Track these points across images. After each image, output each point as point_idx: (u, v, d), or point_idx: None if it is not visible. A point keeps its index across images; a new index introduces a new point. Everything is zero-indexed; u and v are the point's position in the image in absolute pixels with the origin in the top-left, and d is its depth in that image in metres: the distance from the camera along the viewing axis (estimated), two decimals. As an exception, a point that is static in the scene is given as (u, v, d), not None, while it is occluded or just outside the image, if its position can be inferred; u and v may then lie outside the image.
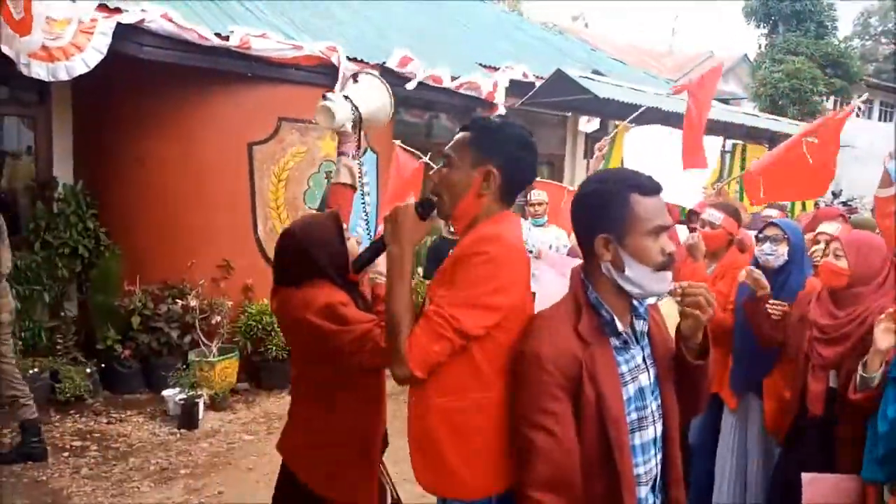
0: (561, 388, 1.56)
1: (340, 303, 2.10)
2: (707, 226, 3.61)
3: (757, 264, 3.19)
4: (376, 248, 1.90)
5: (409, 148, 6.79)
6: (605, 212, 1.61)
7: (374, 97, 2.63)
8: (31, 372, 5.07)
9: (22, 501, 3.76)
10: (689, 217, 4.30)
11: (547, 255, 5.15)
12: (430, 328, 1.64)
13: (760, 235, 3.26)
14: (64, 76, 4.67)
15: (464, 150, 1.80)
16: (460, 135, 1.85)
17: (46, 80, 4.66)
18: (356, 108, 2.50)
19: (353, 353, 2.04)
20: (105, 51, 4.79)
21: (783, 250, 3.17)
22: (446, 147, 1.87)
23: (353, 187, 2.57)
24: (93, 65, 4.75)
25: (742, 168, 7.15)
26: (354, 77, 2.71)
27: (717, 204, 3.83)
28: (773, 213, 4.66)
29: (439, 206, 1.81)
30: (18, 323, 5.23)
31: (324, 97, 2.47)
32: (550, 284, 4.86)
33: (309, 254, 2.18)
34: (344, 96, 2.51)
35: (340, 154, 2.57)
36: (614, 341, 1.64)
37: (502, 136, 1.79)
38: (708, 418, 3.41)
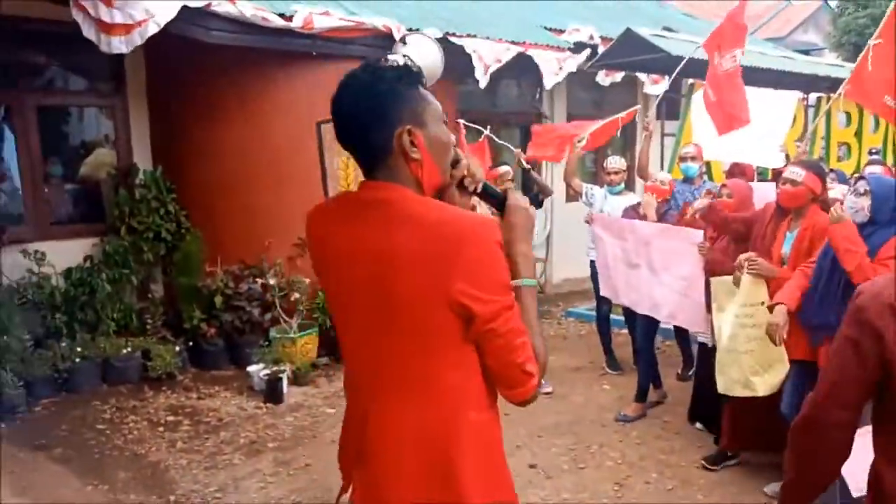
0: None
1: None
2: (788, 183, 3.45)
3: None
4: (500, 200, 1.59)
5: (470, 123, 6.76)
6: None
7: (424, 54, 2.60)
8: (124, 351, 5.35)
9: (125, 474, 3.97)
10: (776, 178, 4.12)
11: (599, 218, 5.09)
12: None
13: (850, 188, 3.10)
14: (138, 41, 4.63)
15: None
16: None
17: (126, 52, 4.71)
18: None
19: None
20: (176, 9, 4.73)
21: (865, 204, 3.00)
22: None
23: None
24: (163, 23, 4.66)
25: (828, 123, 6.80)
26: (402, 40, 2.69)
27: (801, 161, 3.66)
28: (877, 170, 4.42)
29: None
30: (111, 305, 5.51)
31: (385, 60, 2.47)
32: (609, 247, 4.83)
33: None
34: (403, 55, 2.50)
35: None
36: None
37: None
38: (798, 385, 3.28)
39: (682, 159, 5.08)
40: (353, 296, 1.42)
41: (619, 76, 8.18)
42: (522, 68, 7.04)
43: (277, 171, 5.87)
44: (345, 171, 6.09)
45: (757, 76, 6.81)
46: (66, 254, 5.60)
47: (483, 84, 6.50)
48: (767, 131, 5.04)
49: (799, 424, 1.59)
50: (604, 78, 8.12)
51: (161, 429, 4.59)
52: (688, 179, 5.01)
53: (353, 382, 1.53)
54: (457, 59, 6.33)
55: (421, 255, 1.33)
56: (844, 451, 1.53)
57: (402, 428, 1.40)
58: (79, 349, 5.24)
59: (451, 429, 1.40)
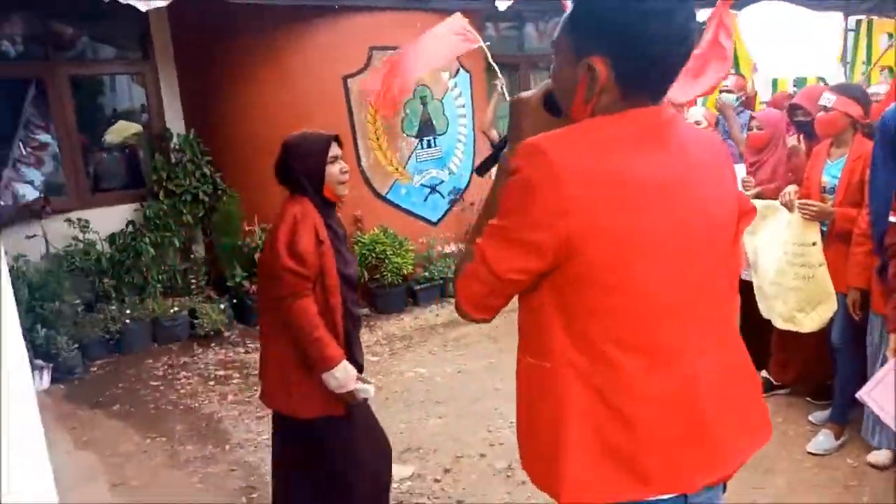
0: None
1: (303, 236, 2.28)
2: (821, 110, 3.34)
3: None
4: (500, 146, 1.51)
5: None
6: None
7: None
8: (172, 311, 5.51)
9: (182, 426, 4.13)
10: (790, 112, 3.97)
11: None
12: (473, 264, 1.29)
13: None
14: (160, 3, 4.51)
15: (561, 39, 1.29)
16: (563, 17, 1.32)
17: (143, 10, 4.58)
18: None
19: (280, 287, 2.27)
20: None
21: None
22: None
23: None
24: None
25: (869, 47, 6.53)
26: None
27: (835, 86, 3.50)
28: (881, 90, 4.20)
29: (562, 109, 1.34)
30: (156, 267, 5.65)
31: None
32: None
33: (290, 166, 2.39)
34: None
35: None
36: None
37: (603, 11, 1.21)
38: (849, 317, 3.23)
39: (723, 91, 4.95)
40: (676, 233, 1.22)
41: None
42: (548, 8, 6.87)
43: (308, 128, 5.86)
44: (373, 126, 6.07)
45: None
46: (108, 220, 5.74)
47: (503, 7, 6.27)
48: (819, 49, 4.88)
49: None
50: None
51: (212, 383, 4.75)
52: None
53: (665, 342, 1.25)
54: (479, 2, 6.21)
55: (716, 171, 1.30)
56: None
57: (727, 382, 1.31)
58: (128, 311, 5.41)
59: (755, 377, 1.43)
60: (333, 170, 2.40)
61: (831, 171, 3.39)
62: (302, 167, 2.38)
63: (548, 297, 1.25)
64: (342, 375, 2.29)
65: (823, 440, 3.38)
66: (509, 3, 6.18)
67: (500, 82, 5.55)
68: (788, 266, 3.46)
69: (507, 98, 5.51)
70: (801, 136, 3.96)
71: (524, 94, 1.39)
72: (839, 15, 6.09)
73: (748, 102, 5.27)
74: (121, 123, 6.45)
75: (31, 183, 5.66)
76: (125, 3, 4.38)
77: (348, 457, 2.45)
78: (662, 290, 1.22)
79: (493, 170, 1.48)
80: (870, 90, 4.21)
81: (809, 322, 3.44)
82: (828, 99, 3.30)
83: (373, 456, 2.54)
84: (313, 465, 2.49)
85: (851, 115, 3.27)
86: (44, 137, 5.74)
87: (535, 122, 1.33)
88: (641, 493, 1.21)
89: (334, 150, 2.42)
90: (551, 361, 1.25)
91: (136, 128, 6.41)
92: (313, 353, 2.27)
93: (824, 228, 3.37)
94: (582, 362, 1.22)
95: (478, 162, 2.05)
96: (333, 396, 2.32)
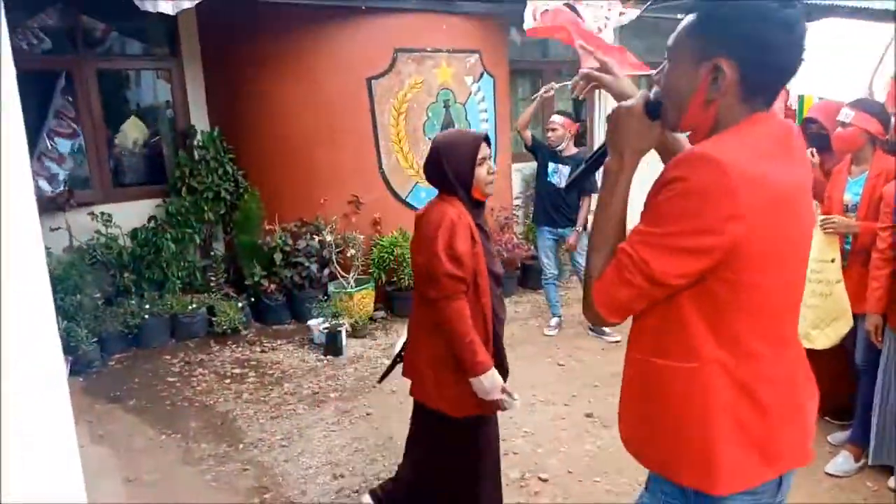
0: None
1: (460, 238, 2.29)
2: (839, 126, 3.29)
3: None
4: (597, 157, 1.52)
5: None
6: None
7: None
8: (190, 307, 5.54)
9: (196, 423, 4.15)
10: (804, 126, 3.89)
11: None
12: (618, 270, 1.36)
13: None
14: (187, 4, 4.55)
15: (684, 40, 1.36)
16: (684, 20, 1.38)
17: (172, 13, 4.58)
18: None
19: (435, 289, 2.30)
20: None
21: None
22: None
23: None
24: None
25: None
26: None
27: (854, 101, 3.45)
28: None
29: (665, 115, 1.42)
30: (176, 263, 5.69)
31: None
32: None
33: (441, 166, 2.38)
34: None
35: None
36: None
37: (734, 15, 1.29)
38: (870, 344, 3.18)
39: None
40: (794, 238, 1.38)
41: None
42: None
43: (331, 129, 5.90)
44: (395, 128, 6.08)
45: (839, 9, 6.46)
46: (130, 215, 5.79)
47: (528, 27, 6.24)
48: (853, 65, 4.76)
49: None
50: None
51: (228, 381, 4.77)
52: None
53: (786, 333, 1.44)
54: (506, 7, 6.19)
55: (810, 183, 1.44)
56: None
57: (804, 369, 1.51)
58: (147, 306, 5.45)
59: None
60: (482, 170, 2.42)
61: (853, 188, 3.34)
62: (453, 167, 2.38)
63: (689, 300, 1.34)
64: (489, 384, 2.33)
65: (843, 462, 3.32)
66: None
67: (553, 87, 5.56)
68: (806, 283, 3.40)
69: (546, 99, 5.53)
70: (815, 150, 3.90)
71: (626, 104, 1.44)
72: (890, 25, 5.92)
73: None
74: (130, 122, 6.47)
75: (55, 176, 5.73)
76: (154, 11, 4.43)
77: (487, 454, 2.55)
78: (787, 287, 1.40)
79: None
80: None
81: (823, 339, 3.39)
82: (846, 115, 3.27)
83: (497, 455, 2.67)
84: (452, 458, 2.54)
85: (870, 131, 3.23)
86: (73, 127, 5.80)
87: (639, 130, 1.42)
88: (773, 474, 1.38)
89: (483, 150, 2.43)
90: (698, 361, 1.34)
91: (142, 128, 6.44)
92: (466, 357, 2.31)
93: (847, 247, 3.32)
94: (728, 359, 1.33)
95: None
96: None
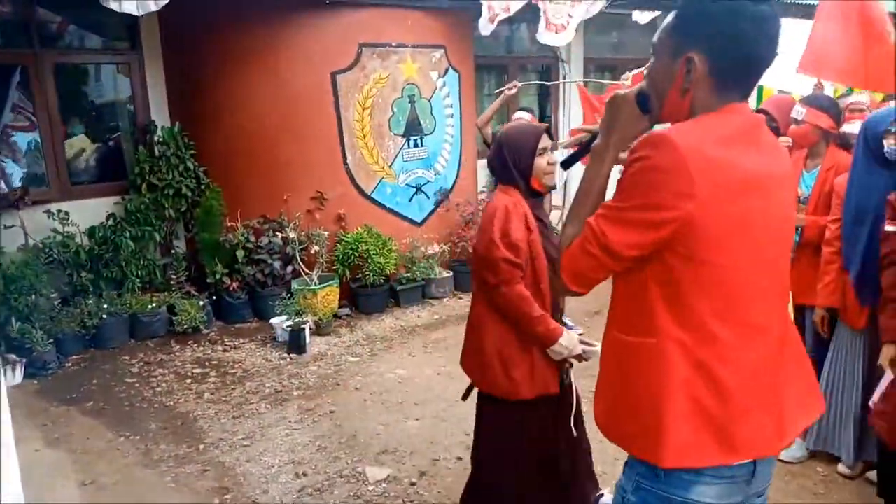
0: None
1: (515, 225, 2.36)
2: (793, 122, 3.38)
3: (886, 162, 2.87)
4: (590, 140, 1.64)
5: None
6: None
7: None
8: (150, 307, 5.45)
9: (156, 424, 4.08)
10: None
11: None
12: (582, 241, 1.44)
13: (887, 130, 2.92)
14: (153, 7, 4.53)
15: (664, 37, 1.47)
16: (666, 18, 1.50)
17: (137, 14, 4.55)
18: None
19: (492, 273, 2.37)
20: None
21: None
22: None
23: None
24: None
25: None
26: None
27: (805, 98, 3.53)
28: (863, 99, 4.14)
29: (651, 107, 1.52)
30: (135, 262, 5.59)
31: None
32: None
33: (504, 157, 2.47)
34: None
35: None
36: None
37: (708, 11, 1.41)
38: (818, 335, 3.28)
39: None
40: (764, 223, 1.41)
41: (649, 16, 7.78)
42: (534, 16, 6.85)
43: (294, 125, 5.84)
44: (360, 123, 6.04)
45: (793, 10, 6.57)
46: (88, 212, 5.66)
47: (486, 32, 6.34)
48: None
49: None
50: (640, 16, 7.75)
51: (189, 381, 4.69)
52: None
53: (756, 318, 1.44)
54: (471, 2, 6.19)
55: (787, 176, 1.50)
56: None
57: (790, 358, 1.52)
58: (105, 306, 5.34)
59: None
60: (541, 161, 2.46)
61: (807, 181, 3.41)
62: (513, 157, 2.46)
63: (651, 278, 1.41)
64: (568, 342, 2.41)
65: (794, 448, 3.38)
66: (492, 28, 6.20)
67: (516, 85, 5.61)
68: None
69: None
70: None
71: (621, 92, 1.55)
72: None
73: None
74: (74, 139, 6.24)
75: (10, 174, 5.58)
76: (119, 11, 4.35)
77: (557, 433, 2.56)
78: (756, 272, 1.41)
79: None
80: (850, 99, 4.20)
81: None
82: (798, 111, 3.35)
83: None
84: (524, 443, 2.54)
85: (822, 126, 3.30)
86: (31, 120, 5.64)
87: (629, 116, 1.53)
88: (729, 459, 1.38)
89: (544, 141, 2.47)
90: (656, 337, 1.39)
91: (87, 144, 6.28)
92: (540, 330, 2.37)
93: (796, 239, 3.38)
94: (685, 337, 1.38)
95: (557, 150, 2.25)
96: (550, 375, 2.45)
